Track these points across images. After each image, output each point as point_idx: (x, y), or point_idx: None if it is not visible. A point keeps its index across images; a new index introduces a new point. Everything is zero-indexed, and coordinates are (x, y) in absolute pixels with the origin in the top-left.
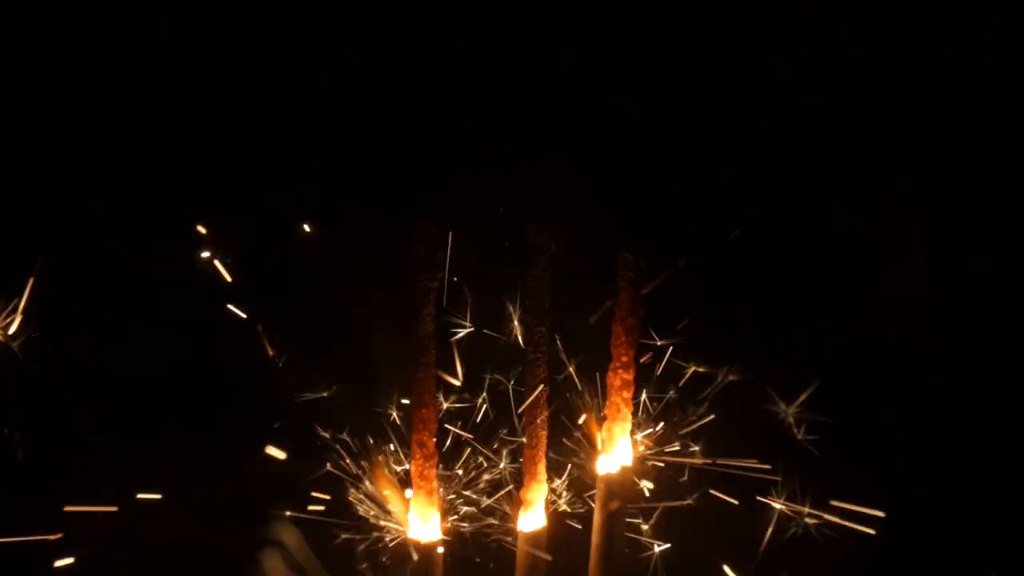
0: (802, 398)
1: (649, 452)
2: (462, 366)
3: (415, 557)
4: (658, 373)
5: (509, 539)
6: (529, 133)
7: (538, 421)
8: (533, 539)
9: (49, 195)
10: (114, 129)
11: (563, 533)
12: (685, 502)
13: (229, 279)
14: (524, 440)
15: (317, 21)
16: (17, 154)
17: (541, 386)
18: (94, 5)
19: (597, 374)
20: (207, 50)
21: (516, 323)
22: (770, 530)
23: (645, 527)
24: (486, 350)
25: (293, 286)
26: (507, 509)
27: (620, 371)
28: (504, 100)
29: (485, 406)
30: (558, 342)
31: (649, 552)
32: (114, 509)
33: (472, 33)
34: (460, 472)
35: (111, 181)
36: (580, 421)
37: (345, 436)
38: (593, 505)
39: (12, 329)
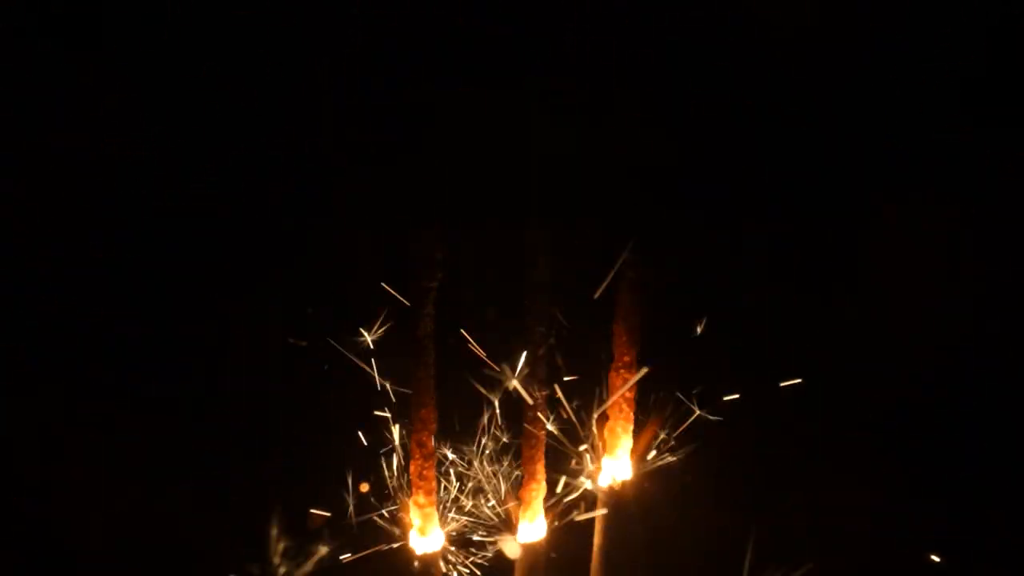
0: None
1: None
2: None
3: (415, 563)
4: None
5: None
6: (529, 132)
7: (538, 421)
8: (533, 549)
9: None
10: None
11: (564, 538)
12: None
13: None
14: (524, 441)
15: (321, 20)
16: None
17: (541, 387)
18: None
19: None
20: (212, 50)
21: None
22: None
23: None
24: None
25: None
26: (507, 516)
27: (622, 371)
28: (504, 99)
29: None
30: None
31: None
32: None
33: (472, 31)
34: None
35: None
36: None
37: None
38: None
39: None
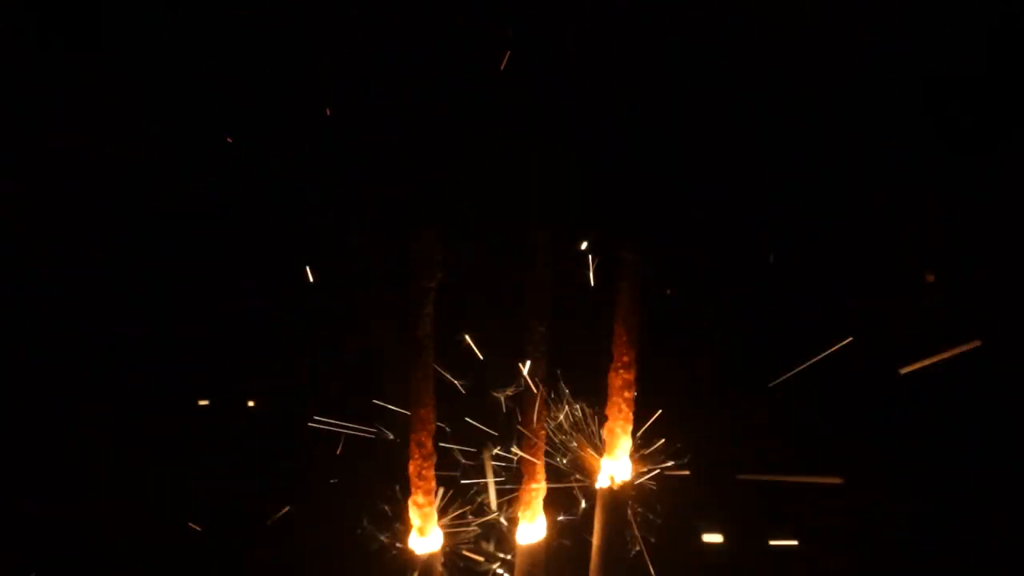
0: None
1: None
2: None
3: (415, 564)
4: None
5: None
6: (529, 133)
7: (537, 421)
8: (532, 552)
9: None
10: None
11: (563, 538)
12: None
13: None
14: (523, 440)
15: (321, 20)
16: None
17: (541, 386)
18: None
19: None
20: (212, 50)
21: None
22: None
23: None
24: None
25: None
26: (506, 519)
27: (621, 371)
28: (503, 99)
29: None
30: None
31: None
32: None
33: (472, 32)
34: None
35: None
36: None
37: None
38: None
39: None
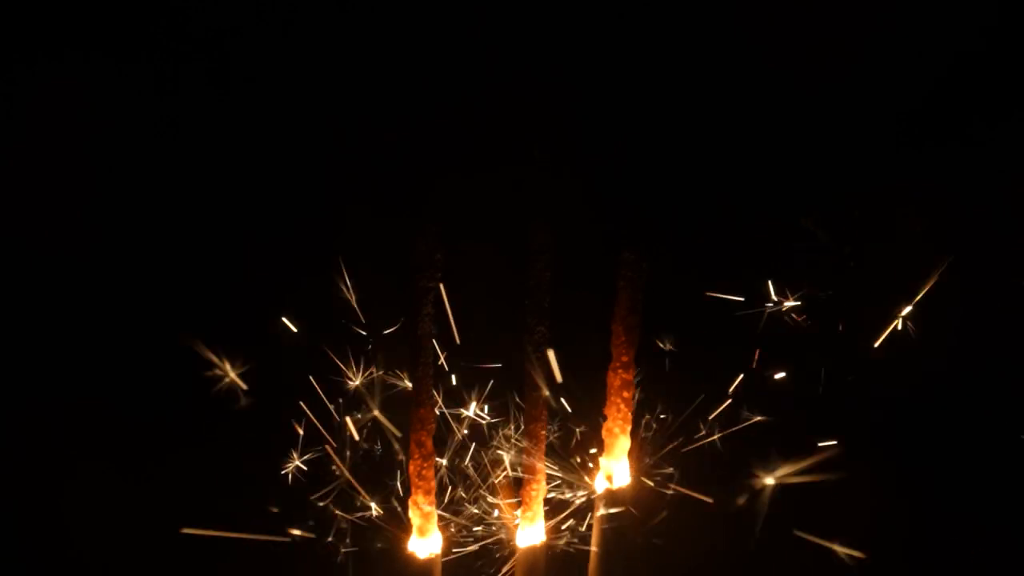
0: None
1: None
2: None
3: (415, 564)
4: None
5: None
6: (530, 133)
7: (538, 421)
8: (532, 554)
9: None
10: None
11: (563, 539)
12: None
13: None
14: (523, 440)
15: (323, 23)
16: None
17: (541, 386)
18: None
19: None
20: (212, 50)
21: None
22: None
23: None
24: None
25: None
26: (506, 520)
27: (620, 371)
28: (504, 100)
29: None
30: None
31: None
32: None
33: (472, 33)
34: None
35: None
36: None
37: None
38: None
39: None
